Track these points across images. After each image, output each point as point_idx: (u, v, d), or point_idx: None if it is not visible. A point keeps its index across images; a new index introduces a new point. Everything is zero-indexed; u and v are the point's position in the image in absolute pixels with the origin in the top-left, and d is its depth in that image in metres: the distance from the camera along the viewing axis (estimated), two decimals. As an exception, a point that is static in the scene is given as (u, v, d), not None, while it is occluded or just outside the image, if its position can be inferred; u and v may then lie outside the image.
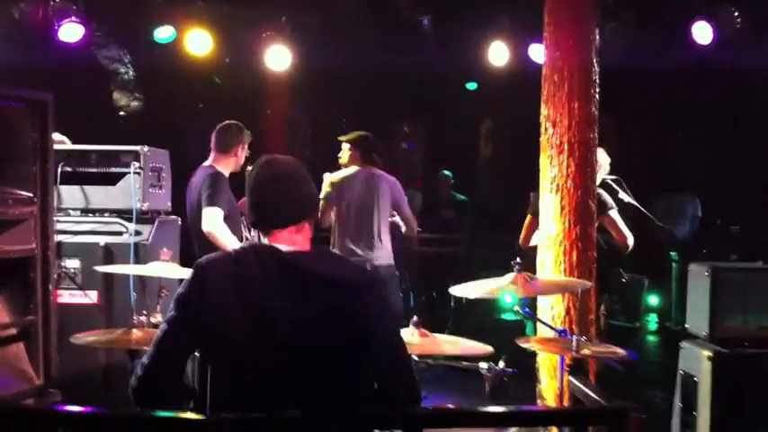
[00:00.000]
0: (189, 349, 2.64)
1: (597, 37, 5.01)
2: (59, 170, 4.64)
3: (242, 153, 5.37)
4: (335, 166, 6.16)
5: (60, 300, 4.58)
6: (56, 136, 5.00)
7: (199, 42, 7.86)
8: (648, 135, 9.98)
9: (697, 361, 4.23)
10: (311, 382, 2.58)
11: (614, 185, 5.91)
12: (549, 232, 4.89)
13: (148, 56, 8.99)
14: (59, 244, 4.60)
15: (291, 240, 2.75)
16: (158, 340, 2.61)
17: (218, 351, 2.57)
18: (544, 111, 4.96)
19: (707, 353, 4.14)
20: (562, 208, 4.84)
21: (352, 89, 10.20)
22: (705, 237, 9.52)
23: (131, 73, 10.06)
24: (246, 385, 2.56)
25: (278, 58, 8.22)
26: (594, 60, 4.95)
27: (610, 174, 5.85)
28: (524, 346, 3.55)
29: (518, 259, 3.80)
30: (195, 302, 2.58)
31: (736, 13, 7.19)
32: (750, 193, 9.37)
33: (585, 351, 3.47)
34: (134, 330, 3.46)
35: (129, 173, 4.67)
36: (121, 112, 10.30)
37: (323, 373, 2.60)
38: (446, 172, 10.27)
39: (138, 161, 4.69)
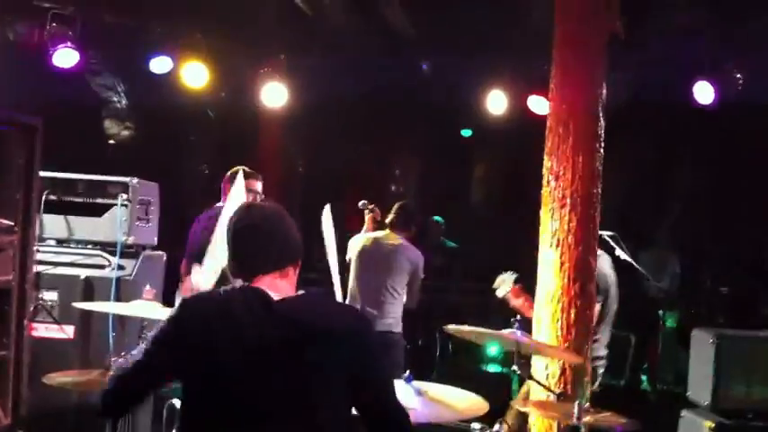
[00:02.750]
0: (163, 373, 2.59)
1: (604, 90, 4.90)
2: (44, 198, 4.46)
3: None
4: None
5: (35, 333, 4.39)
6: None
7: (195, 75, 7.74)
8: (638, 185, 9.84)
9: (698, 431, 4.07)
10: (294, 424, 2.50)
11: (611, 242, 5.79)
12: (547, 288, 4.74)
13: (143, 86, 8.90)
14: (38, 275, 4.41)
15: (275, 286, 2.69)
16: (136, 358, 2.57)
17: (196, 383, 2.51)
18: (547, 163, 4.83)
19: (709, 423, 3.98)
20: (562, 264, 4.69)
21: (348, 127, 10.09)
22: (693, 297, 9.40)
23: (124, 102, 9.94)
24: (221, 418, 2.48)
25: (274, 94, 8.12)
26: (600, 114, 4.84)
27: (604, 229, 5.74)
28: (522, 409, 3.39)
29: (518, 316, 3.66)
30: (180, 330, 2.54)
31: (738, 75, 7.15)
32: (746, 255, 9.28)
33: (587, 418, 3.31)
34: (110, 372, 3.25)
35: (117, 205, 4.49)
36: (111, 141, 10.16)
37: (308, 415, 2.51)
38: (437, 218, 10.14)
39: (127, 193, 4.53)
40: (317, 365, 2.52)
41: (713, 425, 3.96)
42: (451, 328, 3.68)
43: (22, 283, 3.42)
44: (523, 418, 3.69)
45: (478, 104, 8.18)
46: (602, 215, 5.43)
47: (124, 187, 4.55)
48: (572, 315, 4.66)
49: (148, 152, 9.38)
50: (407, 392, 3.48)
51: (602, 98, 4.88)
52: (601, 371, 5.02)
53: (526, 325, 4.11)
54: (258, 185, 5.68)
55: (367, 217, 6.52)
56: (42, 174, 4.53)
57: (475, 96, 8.22)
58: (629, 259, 6.00)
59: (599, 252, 4.96)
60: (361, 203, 6.50)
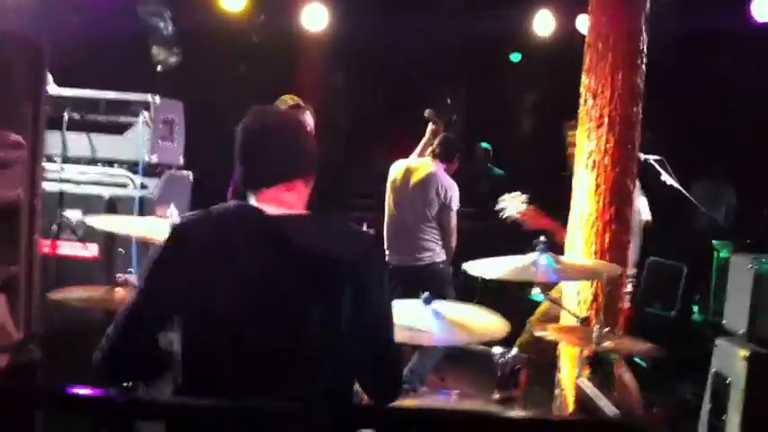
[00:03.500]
0: (160, 323, 2.37)
1: (648, 4, 4.61)
2: (66, 116, 4.41)
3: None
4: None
5: (60, 251, 4.39)
6: None
7: (234, -3, 7.59)
8: (694, 116, 9.45)
9: (732, 360, 3.88)
10: (289, 354, 2.34)
11: (657, 166, 5.55)
12: (582, 211, 4.54)
13: (183, 10, 8.78)
14: (62, 194, 4.40)
15: (280, 200, 2.49)
16: (127, 312, 2.38)
17: (194, 322, 2.33)
18: (585, 80, 4.59)
19: (743, 352, 3.79)
20: (597, 186, 4.49)
21: (393, 55, 9.84)
22: (748, 227, 9.06)
23: (171, 28, 9.85)
24: (221, 357, 2.32)
25: (314, 17, 7.92)
26: (643, 29, 4.56)
27: (652, 153, 5.50)
28: (541, 334, 3.24)
29: (542, 238, 3.49)
30: (173, 269, 2.35)
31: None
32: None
33: (607, 344, 3.15)
34: (117, 289, 3.21)
35: (138, 123, 4.41)
36: (159, 67, 10.11)
37: (302, 344, 2.35)
38: (484, 144, 9.94)
39: (148, 111, 4.43)
40: (313, 287, 2.35)
41: (748, 353, 3.77)
42: (472, 267, 3.50)
43: (32, 199, 3.36)
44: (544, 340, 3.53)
45: (526, 27, 7.89)
46: (652, 139, 5.22)
47: (146, 105, 4.45)
48: (606, 239, 4.47)
49: (195, 79, 9.28)
50: (425, 315, 3.37)
51: (646, 12, 4.60)
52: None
53: (556, 248, 3.94)
54: (307, 117, 5.51)
55: (429, 127, 6.41)
56: (64, 92, 4.52)
57: (523, 18, 7.92)
58: (676, 185, 5.76)
59: None
60: (427, 112, 6.41)
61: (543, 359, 4.42)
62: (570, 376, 4.51)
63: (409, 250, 6.03)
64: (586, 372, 3.70)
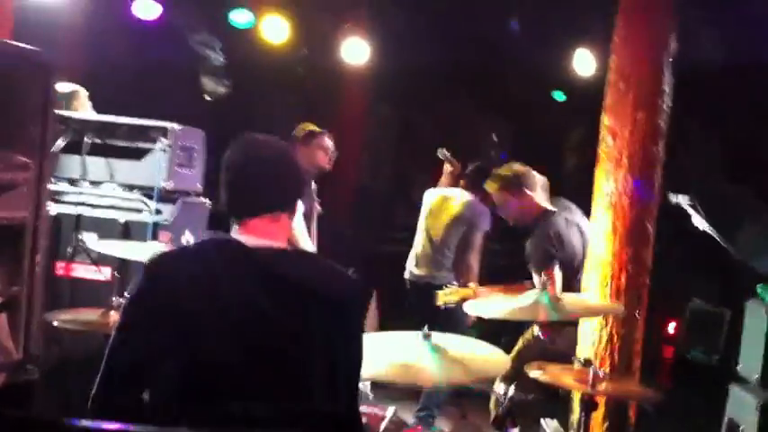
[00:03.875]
0: (143, 361, 2.23)
1: (673, 43, 4.53)
2: (86, 141, 4.50)
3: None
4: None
5: (74, 274, 4.46)
6: (68, 86, 4.85)
7: (276, 29, 7.67)
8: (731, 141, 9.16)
9: (745, 408, 3.74)
10: (272, 386, 2.26)
11: (688, 209, 5.41)
12: (597, 252, 4.45)
13: (230, 42, 8.91)
14: (79, 216, 4.47)
15: (265, 231, 2.43)
16: (109, 353, 2.26)
17: (175, 356, 2.23)
18: (605, 120, 4.52)
19: (757, 401, 3.65)
20: (614, 228, 4.40)
21: (436, 89, 9.84)
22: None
23: (221, 59, 10.02)
24: (213, 394, 2.23)
25: (354, 51, 7.96)
26: (667, 69, 4.48)
27: (683, 194, 5.36)
28: (533, 374, 3.15)
29: (544, 277, 3.42)
30: (149, 305, 2.26)
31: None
32: None
33: (602, 387, 3.06)
34: (112, 312, 3.23)
35: (155, 149, 4.47)
36: (207, 97, 10.27)
37: (287, 379, 2.28)
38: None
39: (166, 137, 4.49)
40: (302, 328, 2.28)
41: (762, 403, 3.62)
42: (471, 307, 3.43)
43: (36, 220, 3.41)
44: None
45: (565, 65, 7.81)
46: (685, 181, 5.07)
47: (164, 132, 4.51)
48: (622, 281, 4.37)
49: (242, 109, 9.41)
50: (422, 350, 3.31)
51: (672, 51, 4.52)
52: None
53: None
54: (326, 141, 5.63)
55: (446, 168, 6.39)
56: (85, 116, 4.61)
57: (563, 56, 7.85)
58: (710, 231, 5.60)
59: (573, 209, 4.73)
60: (440, 152, 6.36)
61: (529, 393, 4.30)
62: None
63: (432, 269, 6.03)
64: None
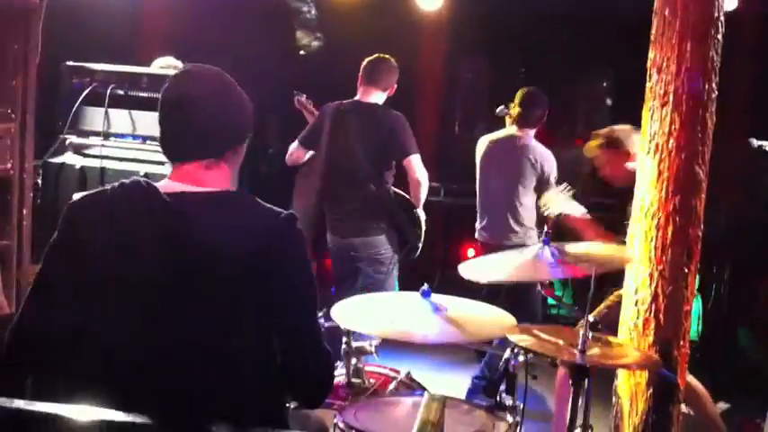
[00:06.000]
0: (59, 304, 2.18)
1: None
2: (108, 92, 4.44)
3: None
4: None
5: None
6: (169, 60, 4.81)
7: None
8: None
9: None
10: (184, 346, 2.13)
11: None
12: (643, 201, 4.04)
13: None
14: (103, 169, 4.43)
15: (197, 178, 2.29)
16: (30, 291, 2.25)
17: (83, 304, 2.15)
18: (651, 53, 4.06)
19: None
20: (660, 173, 3.96)
21: (525, 34, 9.34)
22: None
23: (314, 12, 9.89)
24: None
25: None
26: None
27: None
28: (512, 339, 2.83)
29: (545, 228, 3.09)
30: (65, 254, 2.20)
31: None
32: None
33: (593, 351, 2.71)
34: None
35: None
36: (302, 51, 10.18)
37: (197, 337, 2.13)
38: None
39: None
40: (214, 289, 2.13)
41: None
42: (467, 271, 3.16)
43: (21, 173, 3.37)
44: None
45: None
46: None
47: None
48: (669, 233, 3.94)
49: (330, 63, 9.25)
50: (423, 309, 3.10)
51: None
52: None
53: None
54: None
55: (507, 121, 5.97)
56: (107, 67, 4.54)
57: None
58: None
59: None
60: (498, 110, 5.95)
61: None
62: (626, 385, 4.04)
63: (498, 229, 5.68)
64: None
